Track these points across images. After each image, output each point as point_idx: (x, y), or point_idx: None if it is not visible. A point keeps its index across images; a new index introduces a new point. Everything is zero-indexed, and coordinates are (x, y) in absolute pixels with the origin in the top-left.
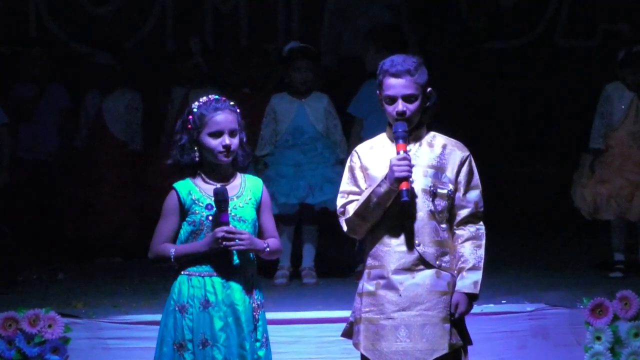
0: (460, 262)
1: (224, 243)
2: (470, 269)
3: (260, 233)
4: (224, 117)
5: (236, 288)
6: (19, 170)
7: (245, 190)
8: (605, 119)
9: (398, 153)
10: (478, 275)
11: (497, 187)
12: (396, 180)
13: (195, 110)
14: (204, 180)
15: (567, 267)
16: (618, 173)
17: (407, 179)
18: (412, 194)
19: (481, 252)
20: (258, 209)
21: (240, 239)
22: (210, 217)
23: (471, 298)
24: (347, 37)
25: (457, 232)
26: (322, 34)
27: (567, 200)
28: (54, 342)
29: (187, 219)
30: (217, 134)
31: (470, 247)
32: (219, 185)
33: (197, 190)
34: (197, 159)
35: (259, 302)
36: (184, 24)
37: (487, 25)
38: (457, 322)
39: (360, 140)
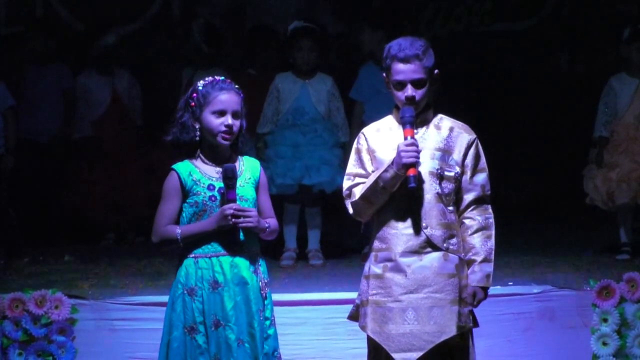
0: (471, 254)
1: (232, 220)
2: (481, 262)
3: (258, 213)
4: (229, 97)
5: (243, 267)
6: (22, 153)
7: (245, 170)
8: (609, 109)
9: (406, 139)
10: (489, 268)
11: (504, 170)
12: (403, 166)
13: (200, 88)
14: (203, 162)
15: (574, 249)
16: (626, 156)
17: (414, 165)
18: (419, 180)
19: (491, 243)
20: (257, 188)
21: (247, 217)
22: (213, 197)
23: (484, 288)
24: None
25: (465, 221)
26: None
27: (574, 184)
28: (61, 323)
29: (188, 200)
30: (220, 113)
31: (481, 238)
32: (219, 168)
33: (197, 171)
34: (197, 138)
35: (265, 281)
36: (190, 5)
37: (494, 7)
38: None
39: (363, 124)
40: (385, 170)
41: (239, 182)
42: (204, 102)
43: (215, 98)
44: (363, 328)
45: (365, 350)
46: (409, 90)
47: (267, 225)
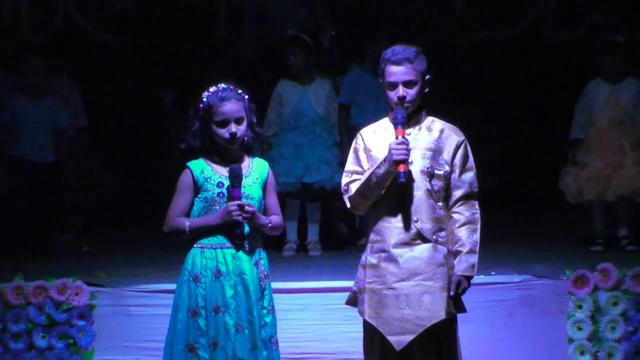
0: (457, 245)
1: (235, 216)
2: (467, 253)
3: (265, 210)
4: (230, 107)
5: (245, 259)
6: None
7: (253, 171)
8: (585, 112)
9: (397, 138)
10: (474, 259)
11: (487, 167)
12: (394, 163)
13: (204, 100)
14: (215, 161)
15: (552, 241)
16: (598, 156)
17: (404, 161)
18: (409, 176)
19: (477, 236)
20: (264, 188)
21: (246, 212)
22: (222, 194)
23: (468, 277)
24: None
25: (453, 215)
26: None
27: (553, 180)
28: (81, 309)
29: (199, 195)
30: (224, 123)
31: (467, 231)
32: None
33: (209, 169)
34: (208, 143)
35: (265, 273)
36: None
37: (480, 15)
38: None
39: (352, 128)
40: (378, 167)
41: (246, 182)
42: (209, 114)
43: (217, 110)
44: (361, 313)
45: (360, 334)
46: (400, 90)
47: (267, 221)
